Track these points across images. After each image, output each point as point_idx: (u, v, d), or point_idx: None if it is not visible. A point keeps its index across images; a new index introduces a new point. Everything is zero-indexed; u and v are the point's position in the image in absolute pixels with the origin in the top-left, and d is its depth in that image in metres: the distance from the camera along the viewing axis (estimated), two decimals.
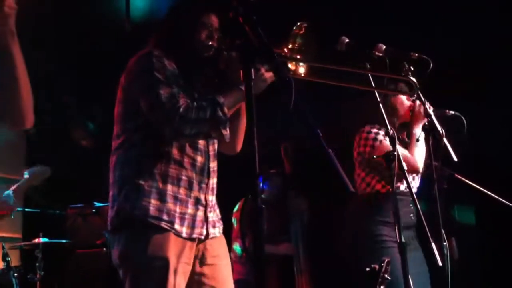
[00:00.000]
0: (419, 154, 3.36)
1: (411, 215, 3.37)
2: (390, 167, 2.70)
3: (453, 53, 4.69)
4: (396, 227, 2.58)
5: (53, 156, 5.82)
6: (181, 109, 2.24)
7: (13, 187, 4.21)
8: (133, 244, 2.29)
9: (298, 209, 5.25)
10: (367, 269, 2.53)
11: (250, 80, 1.51)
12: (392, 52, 2.83)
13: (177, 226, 2.30)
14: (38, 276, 4.56)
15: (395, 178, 3.44)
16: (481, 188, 3.78)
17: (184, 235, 2.32)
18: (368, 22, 4.49)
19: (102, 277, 4.96)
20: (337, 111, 5.00)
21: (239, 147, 2.55)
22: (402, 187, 3.37)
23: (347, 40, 2.84)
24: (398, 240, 2.57)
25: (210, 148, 2.47)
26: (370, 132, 3.45)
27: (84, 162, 5.90)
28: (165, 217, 2.28)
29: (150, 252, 2.25)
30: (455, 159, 3.09)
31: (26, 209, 5.19)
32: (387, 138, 3.43)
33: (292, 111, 1.42)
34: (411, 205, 3.31)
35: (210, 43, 2.42)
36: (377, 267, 2.50)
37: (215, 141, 2.51)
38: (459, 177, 3.71)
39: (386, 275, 2.48)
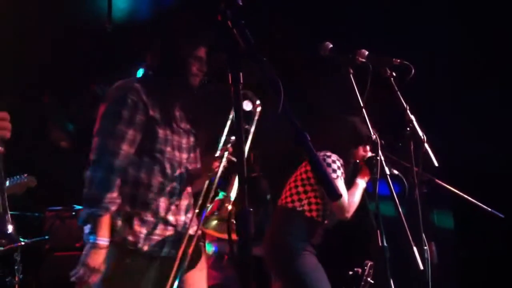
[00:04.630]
0: (354, 202, 3.39)
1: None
2: (372, 172, 2.71)
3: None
4: (379, 231, 2.60)
5: (31, 157, 5.76)
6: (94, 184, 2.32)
7: None
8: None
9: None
10: (350, 272, 2.54)
11: (239, 86, 1.51)
12: (374, 58, 2.85)
13: (144, 247, 2.37)
14: (16, 279, 4.51)
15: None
16: (459, 193, 3.81)
17: (154, 254, 2.40)
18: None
19: None
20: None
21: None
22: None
23: (331, 45, 2.86)
24: (380, 244, 2.58)
25: (183, 170, 2.52)
26: (330, 156, 3.44)
27: (63, 163, 5.84)
28: (131, 238, 2.36)
29: (118, 273, 2.35)
30: (436, 164, 3.11)
31: None
32: (343, 175, 3.43)
33: (280, 114, 1.42)
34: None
35: (198, 74, 2.50)
36: (360, 270, 2.51)
37: (189, 163, 2.57)
38: (439, 182, 3.74)
39: (369, 279, 2.50)
